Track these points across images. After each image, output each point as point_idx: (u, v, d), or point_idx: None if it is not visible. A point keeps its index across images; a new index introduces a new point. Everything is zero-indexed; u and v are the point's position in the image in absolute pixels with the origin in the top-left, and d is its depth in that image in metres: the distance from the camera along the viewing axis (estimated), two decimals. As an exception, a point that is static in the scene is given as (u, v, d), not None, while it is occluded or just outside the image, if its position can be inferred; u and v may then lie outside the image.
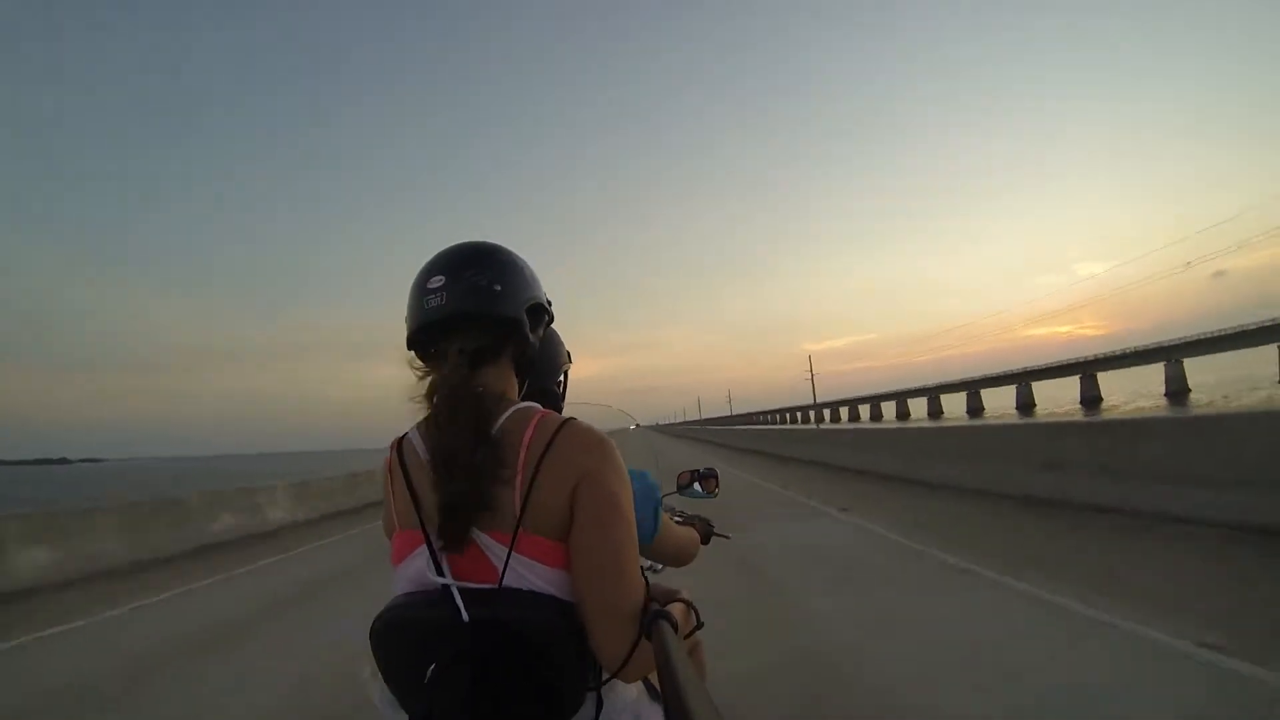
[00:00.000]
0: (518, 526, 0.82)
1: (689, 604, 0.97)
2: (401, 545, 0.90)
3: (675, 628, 0.78)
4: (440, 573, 0.83)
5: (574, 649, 0.81)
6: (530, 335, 0.99)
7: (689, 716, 0.58)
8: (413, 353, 0.99)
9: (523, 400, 1.03)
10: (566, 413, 1.17)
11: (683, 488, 1.80)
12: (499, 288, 0.94)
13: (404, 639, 0.85)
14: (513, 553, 0.82)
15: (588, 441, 0.87)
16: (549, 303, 1.06)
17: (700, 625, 0.98)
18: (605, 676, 0.86)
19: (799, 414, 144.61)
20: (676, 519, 1.56)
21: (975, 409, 79.77)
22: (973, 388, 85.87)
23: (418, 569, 0.86)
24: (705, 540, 1.56)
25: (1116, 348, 71.92)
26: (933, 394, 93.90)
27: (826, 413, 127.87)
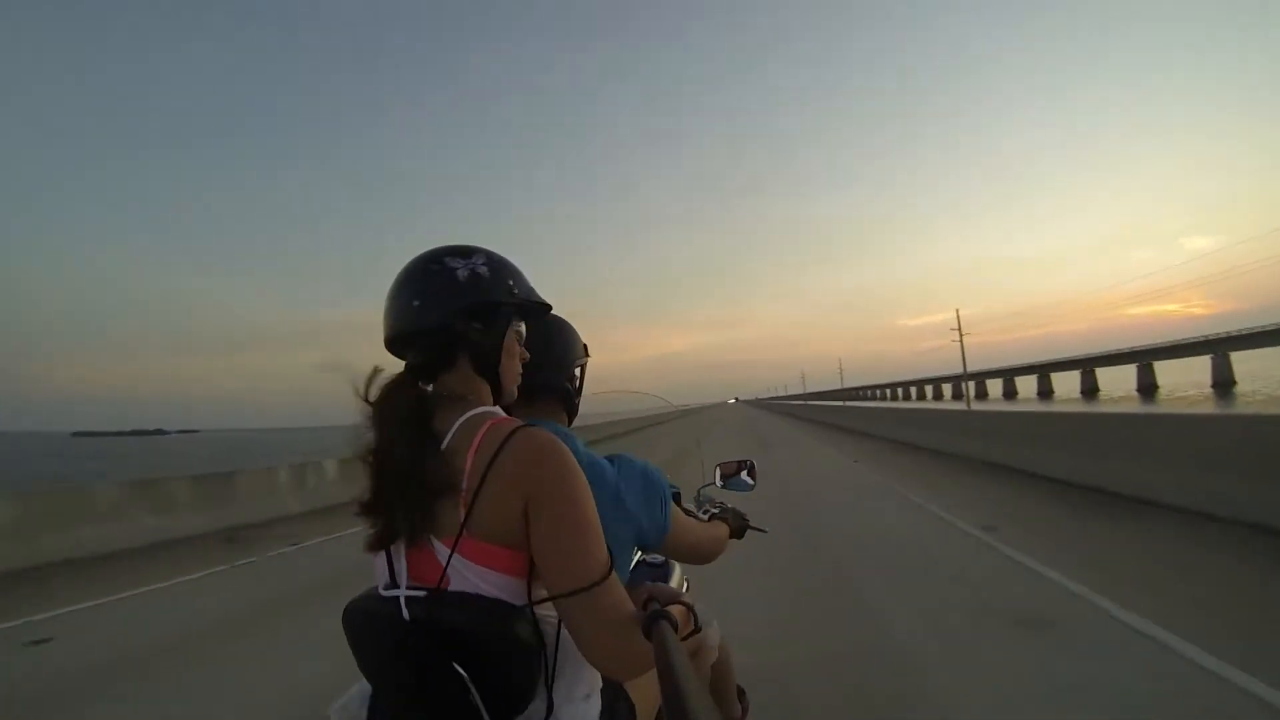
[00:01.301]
0: (460, 532, 0.84)
1: (690, 606, 0.92)
2: (372, 538, 0.92)
3: (675, 628, 0.77)
4: (392, 570, 0.89)
5: (519, 651, 0.83)
6: (475, 335, 0.98)
7: (689, 716, 0.57)
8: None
9: (531, 399, 1.15)
10: (589, 405, 1.26)
11: (727, 478, 1.80)
12: (417, 303, 0.96)
13: (360, 629, 0.92)
14: (459, 556, 0.84)
15: (536, 450, 0.86)
16: (518, 295, 1.02)
17: (698, 629, 0.93)
18: (587, 679, 0.92)
19: (904, 389, 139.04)
20: (708, 512, 1.57)
21: (1090, 389, 73.96)
22: (1086, 366, 79.39)
23: (381, 564, 0.91)
24: (739, 534, 1.54)
25: (1227, 328, 63.82)
26: (1042, 371, 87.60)
27: (929, 389, 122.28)
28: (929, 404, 75.68)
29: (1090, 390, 73.97)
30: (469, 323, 0.98)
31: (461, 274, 0.98)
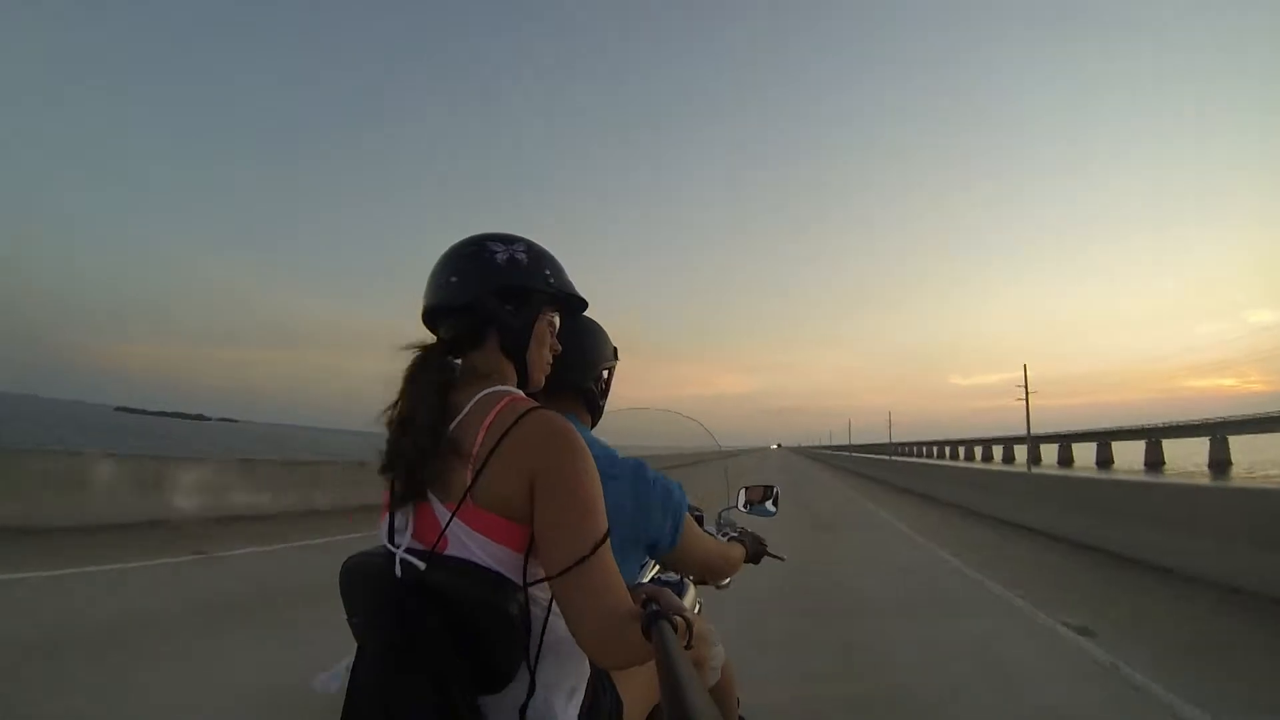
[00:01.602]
0: (464, 497, 0.86)
1: (688, 621, 0.88)
2: (385, 498, 0.97)
3: (675, 628, 0.78)
4: (392, 530, 0.92)
5: (504, 625, 0.84)
6: (506, 316, 1.01)
7: (689, 716, 0.57)
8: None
9: (556, 396, 1.21)
10: (613, 417, 1.29)
11: (753, 504, 1.79)
12: (454, 279, 1.01)
13: (354, 584, 0.95)
14: (460, 521, 0.87)
15: (548, 432, 0.88)
16: (554, 285, 1.05)
17: (689, 646, 0.89)
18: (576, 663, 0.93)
19: (952, 448, 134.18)
20: (727, 535, 1.57)
21: (1155, 462, 69.70)
22: (1152, 436, 75.08)
23: (385, 521, 0.94)
24: (755, 559, 1.53)
25: None
26: (1102, 440, 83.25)
27: (978, 450, 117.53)
28: (987, 465, 72.03)
29: (1155, 463, 69.73)
30: (500, 304, 1.01)
31: (500, 257, 1.03)
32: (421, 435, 0.90)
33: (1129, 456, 76.49)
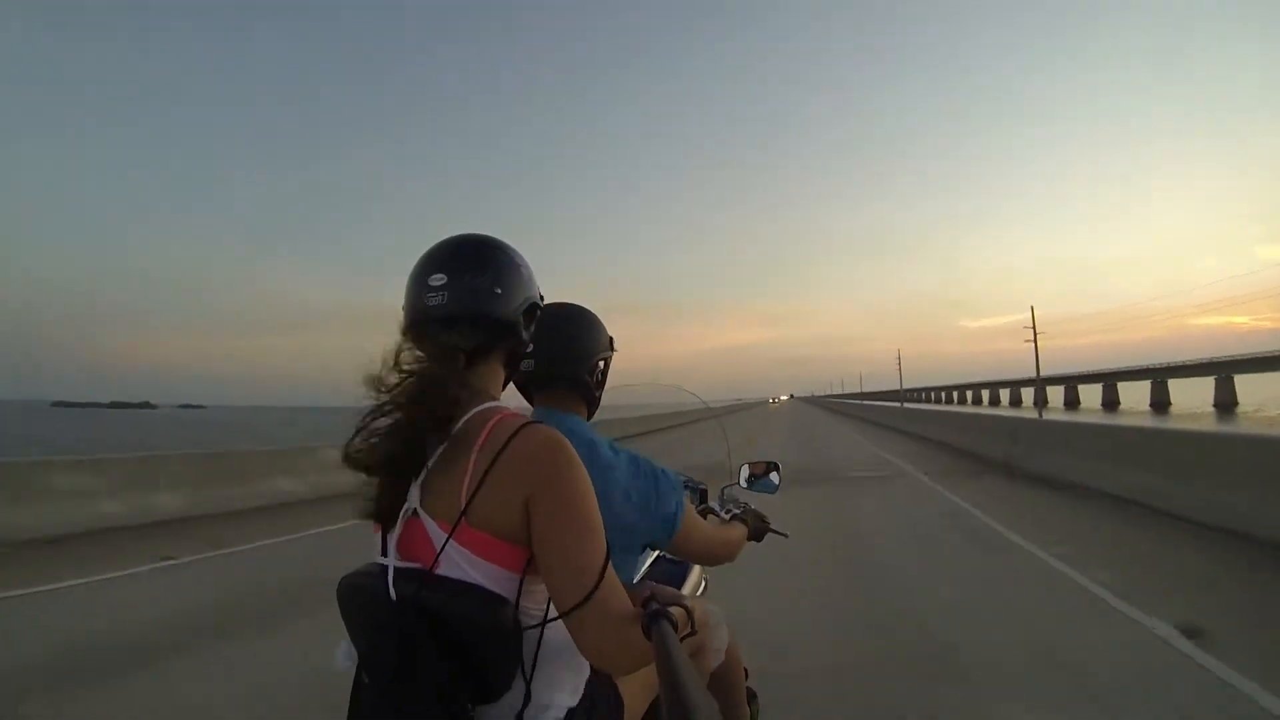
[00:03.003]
0: (459, 518, 0.85)
1: (689, 610, 0.93)
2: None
3: (676, 622, 0.78)
4: (386, 548, 0.90)
5: (497, 640, 0.85)
6: (524, 335, 1.02)
7: (689, 717, 0.57)
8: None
9: (551, 390, 1.21)
10: (611, 397, 1.25)
11: (756, 478, 1.78)
12: (499, 290, 0.97)
13: (352, 604, 0.93)
14: (453, 541, 0.86)
15: (541, 449, 0.87)
16: (541, 298, 1.07)
17: (694, 632, 0.94)
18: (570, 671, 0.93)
19: (961, 393, 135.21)
20: (729, 512, 1.54)
21: (1161, 402, 70.62)
22: (1157, 376, 75.91)
23: (379, 540, 0.92)
24: (758, 538, 1.51)
25: None
26: (1108, 380, 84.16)
27: (985, 393, 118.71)
28: (1003, 410, 72.88)
29: (1161, 404, 70.76)
30: (527, 321, 1.03)
31: (525, 271, 1.03)
32: (419, 447, 0.88)
33: (1135, 397, 77.37)
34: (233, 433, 47.36)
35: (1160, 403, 71.20)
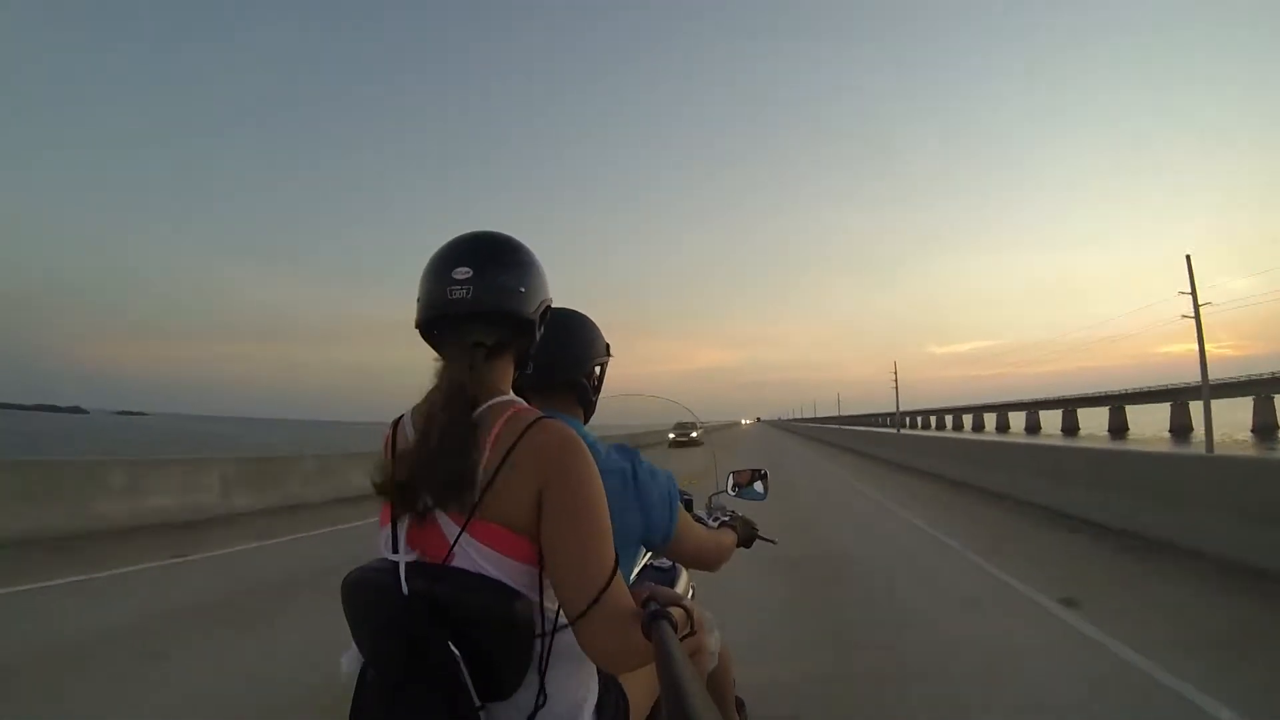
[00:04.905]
0: (473, 511, 0.86)
1: (688, 611, 0.94)
2: (383, 513, 0.94)
3: (675, 622, 0.79)
4: (396, 545, 0.89)
5: (513, 635, 0.84)
6: (537, 336, 1.03)
7: (689, 716, 0.57)
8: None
9: (548, 393, 1.22)
10: (606, 405, 1.27)
11: (741, 487, 1.80)
12: (523, 289, 0.98)
13: (358, 600, 0.93)
14: (467, 535, 0.86)
15: (554, 442, 0.88)
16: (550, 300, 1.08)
17: (692, 633, 0.95)
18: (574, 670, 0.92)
19: (938, 418, 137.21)
20: (718, 519, 1.56)
21: (1118, 428, 72.25)
22: (1115, 403, 77.89)
23: (386, 537, 0.92)
24: (747, 544, 1.54)
25: (1261, 370, 61.40)
26: (1068, 407, 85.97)
27: (949, 419, 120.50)
28: (968, 434, 73.46)
29: (1118, 429, 72.23)
30: (543, 319, 1.04)
31: (543, 273, 1.04)
32: (440, 440, 0.89)
33: (1093, 424, 79.09)
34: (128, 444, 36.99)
35: (1117, 428, 72.69)
